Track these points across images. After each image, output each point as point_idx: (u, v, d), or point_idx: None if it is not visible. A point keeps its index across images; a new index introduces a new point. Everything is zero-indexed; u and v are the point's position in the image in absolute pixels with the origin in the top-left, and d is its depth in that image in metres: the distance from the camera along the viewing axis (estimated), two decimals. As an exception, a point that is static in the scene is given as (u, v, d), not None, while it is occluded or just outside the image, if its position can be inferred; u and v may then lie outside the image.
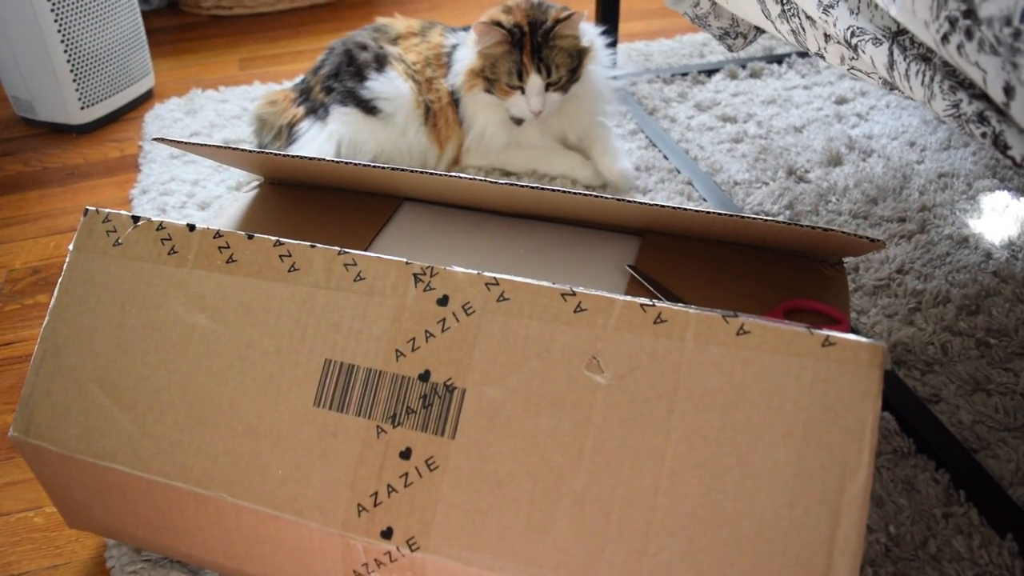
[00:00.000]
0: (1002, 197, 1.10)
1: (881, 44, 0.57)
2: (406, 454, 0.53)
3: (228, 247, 0.59)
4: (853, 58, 0.61)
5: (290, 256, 0.58)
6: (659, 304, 0.51)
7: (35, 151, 1.38)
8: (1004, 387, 0.81)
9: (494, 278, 0.54)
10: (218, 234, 0.60)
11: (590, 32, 1.16)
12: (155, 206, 1.14)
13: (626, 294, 0.68)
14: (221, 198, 1.15)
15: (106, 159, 1.34)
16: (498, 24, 1.09)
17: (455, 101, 1.15)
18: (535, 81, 1.09)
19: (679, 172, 1.17)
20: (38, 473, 0.63)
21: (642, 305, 0.51)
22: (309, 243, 0.58)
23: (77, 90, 1.38)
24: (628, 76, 1.44)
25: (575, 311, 0.52)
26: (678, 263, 0.70)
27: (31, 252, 1.12)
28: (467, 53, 1.13)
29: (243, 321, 0.58)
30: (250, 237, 0.59)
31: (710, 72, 1.44)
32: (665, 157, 1.21)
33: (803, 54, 1.46)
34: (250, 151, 0.68)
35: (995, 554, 0.67)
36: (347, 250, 0.57)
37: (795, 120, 1.29)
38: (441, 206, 0.79)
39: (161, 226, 0.61)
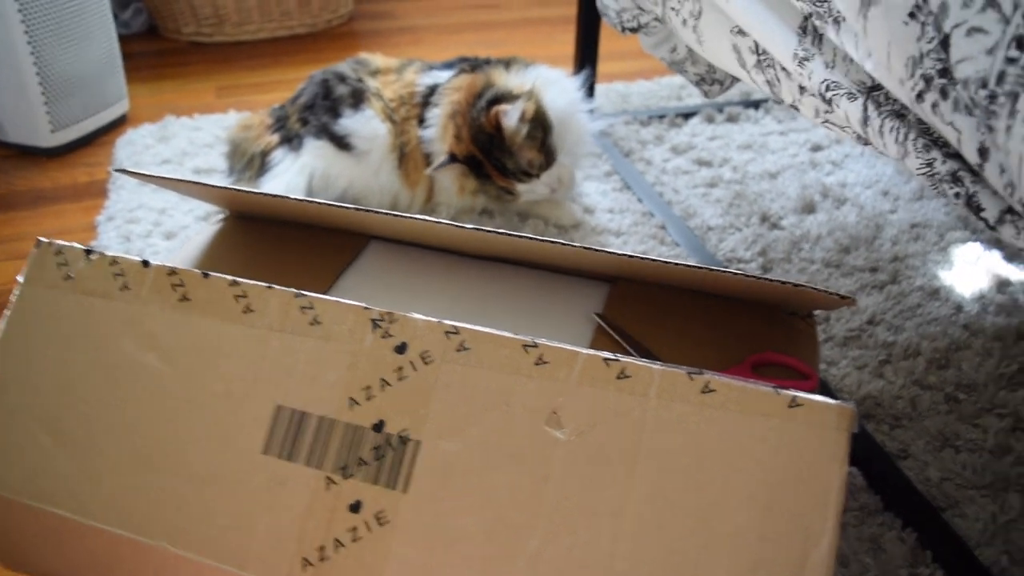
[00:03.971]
0: (973, 249, 1.10)
1: (856, 99, 0.57)
2: (356, 507, 0.51)
3: (182, 284, 0.57)
4: (828, 111, 0.61)
5: (245, 297, 0.56)
6: (623, 359, 0.50)
7: (3, 173, 1.35)
8: (973, 443, 0.80)
9: (454, 327, 0.52)
10: (172, 271, 0.58)
11: (529, 76, 1.13)
12: (120, 234, 1.11)
13: (593, 343, 0.67)
14: (188, 228, 1.13)
15: (75, 183, 1.32)
16: (453, 158, 1.09)
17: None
18: (524, 188, 1.09)
19: (653, 215, 1.16)
20: (-27, 514, 0.61)
21: (605, 359, 0.50)
22: (266, 284, 0.56)
23: (48, 112, 1.36)
24: (603, 116, 1.44)
25: (536, 363, 0.51)
26: (647, 312, 0.69)
27: (-10, 277, 1.10)
28: (438, 115, 1.11)
29: (194, 362, 0.55)
30: (205, 275, 0.57)
31: (687, 115, 1.44)
32: (639, 200, 1.20)
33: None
34: (214, 186, 0.67)
35: (962, 619, 0.65)
36: (304, 292, 0.55)
37: (770, 166, 1.29)
38: (409, 246, 0.78)
39: (115, 261, 0.59)
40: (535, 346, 0.51)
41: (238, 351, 0.55)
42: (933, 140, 0.55)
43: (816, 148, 1.34)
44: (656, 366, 0.49)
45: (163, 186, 0.75)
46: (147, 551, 0.54)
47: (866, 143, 0.60)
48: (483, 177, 1.09)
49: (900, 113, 0.56)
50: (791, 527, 0.46)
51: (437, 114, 1.10)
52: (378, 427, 0.51)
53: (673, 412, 0.49)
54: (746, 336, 0.68)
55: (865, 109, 0.57)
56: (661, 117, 1.44)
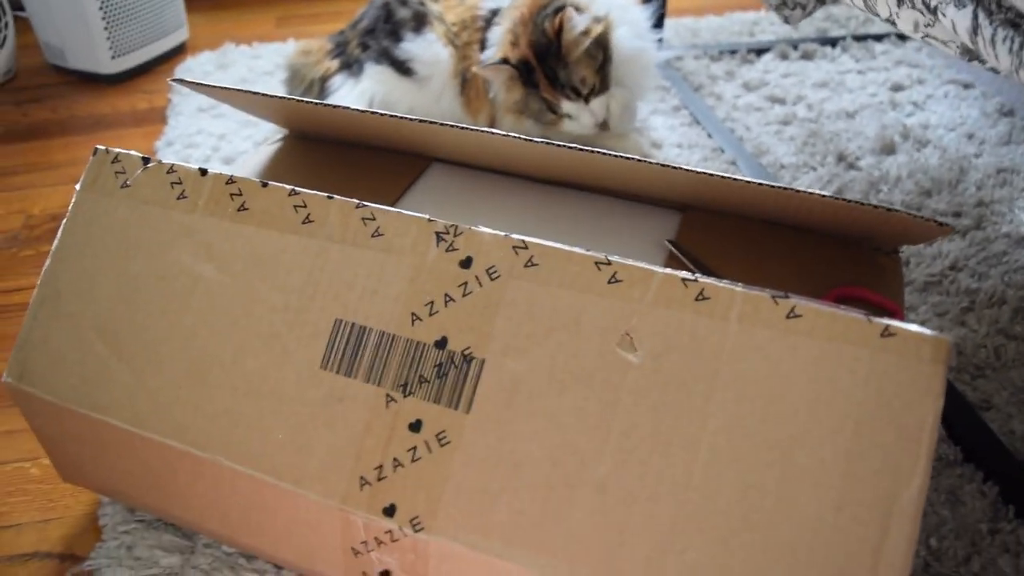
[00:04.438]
0: (1066, 197, 1.03)
1: (965, 7, 0.52)
2: (416, 426, 0.49)
3: (240, 194, 0.55)
4: (929, 24, 0.56)
5: (305, 207, 0.54)
6: (702, 279, 0.46)
7: (63, 98, 1.35)
8: (1061, 397, 0.76)
9: (522, 241, 0.49)
10: (231, 180, 0.56)
11: (603, 2, 1.08)
12: (179, 158, 1.10)
13: (664, 270, 0.64)
14: (246, 153, 1.11)
15: (134, 110, 1.31)
16: (505, 61, 1.03)
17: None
18: (570, 106, 1.04)
19: (723, 151, 1.11)
20: (31, 422, 0.60)
21: (683, 279, 0.47)
22: (326, 195, 0.53)
23: (108, 39, 1.35)
24: (670, 49, 1.38)
25: (609, 281, 0.48)
26: (720, 242, 0.65)
27: (51, 199, 1.10)
28: (500, 33, 1.07)
29: (251, 274, 0.54)
30: (264, 185, 0.55)
31: (760, 51, 1.38)
32: (709, 135, 1.15)
33: (858, 37, 1.40)
34: (270, 96, 0.64)
35: (1047, 575, 0.62)
36: (366, 203, 0.53)
37: (847, 105, 1.22)
38: (472, 169, 0.75)
39: (172, 169, 0.57)
40: (608, 263, 0.48)
41: (297, 263, 0.53)
42: (1053, 53, 0.49)
43: (897, 88, 1.27)
44: (738, 288, 0.46)
45: (219, 98, 0.73)
46: (203, 464, 0.52)
47: (972, 57, 0.55)
48: (531, 85, 1.04)
49: (1015, 22, 0.51)
50: (880, 465, 0.43)
51: (499, 32, 1.06)
52: (441, 344, 0.49)
53: (755, 337, 0.45)
54: (827, 270, 0.64)
55: (975, 17, 0.52)
56: (732, 52, 1.37)
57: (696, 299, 0.46)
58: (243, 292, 0.53)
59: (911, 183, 1.05)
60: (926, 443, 0.43)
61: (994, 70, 0.52)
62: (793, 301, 0.45)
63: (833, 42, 1.39)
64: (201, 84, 0.66)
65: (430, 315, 0.50)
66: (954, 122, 1.18)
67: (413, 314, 0.50)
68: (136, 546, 0.64)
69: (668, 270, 0.47)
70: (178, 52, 1.48)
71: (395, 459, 0.48)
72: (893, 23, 0.59)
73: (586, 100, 1.03)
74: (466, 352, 0.49)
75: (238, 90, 0.65)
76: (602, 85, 1.04)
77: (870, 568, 0.42)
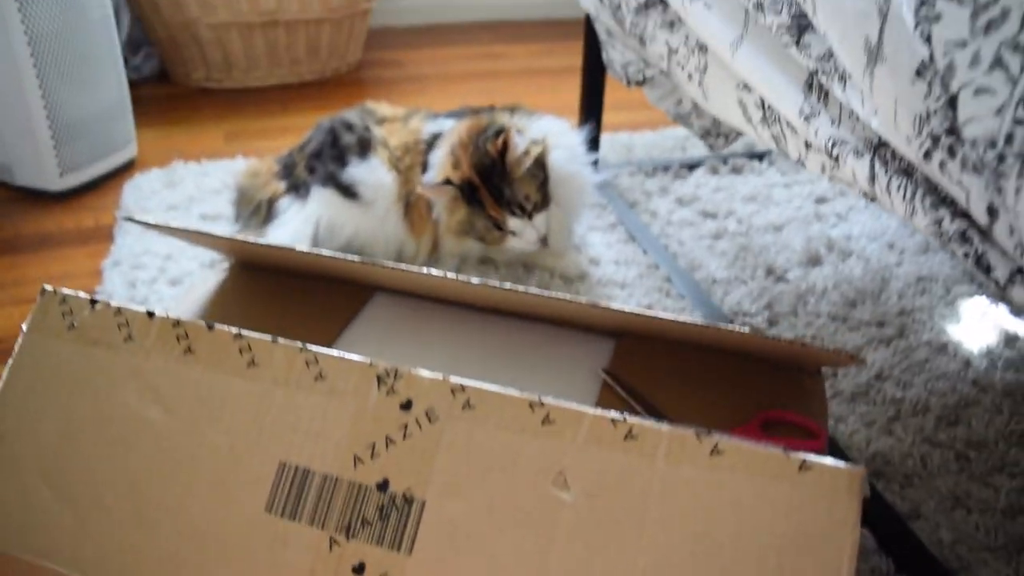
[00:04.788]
0: (980, 303, 1.10)
1: (862, 156, 0.57)
2: (359, 569, 0.49)
3: (187, 336, 0.57)
4: (834, 167, 0.61)
5: (250, 350, 0.56)
6: (630, 419, 0.49)
7: (9, 216, 1.36)
8: (984, 503, 0.79)
9: (460, 384, 0.52)
10: (177, 323, 0.57)
11: (539, 126, 1.14)
12: (125, 280, 1.11)
13: (600, 399, 0.66)
14: (193, 274, 1.13)
15: (80, 228, 1.32)
16: (448, 183, 1.08)
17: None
18: (515, 223, 1.09)
19: (658, 268, 1.16)
20: (-31, 568, 0.59)
21: (612, 420, 0.49)
22: (271, 337, 0.55)
23: (56, 156, 1.37)
24: (606, 168, 1.44)
25: (543, 423, 0.50)
26: (653, 368, 0.69)
27: (-6, 321, 1.09)
28: (441, 157, 1.12)
29: (197, 416, 0.55)
30: (210, 327, 0.57)
31: (692, 166, 1.45)
32: (644, 252, 1.20)
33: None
34: (219, 236, 0.67)
35: None
36: (309, 346, 0.55)
37: (775, 218, 1.29)
38: (415, 298, 0.78)
39: (119, 311, 0.59)
40: (541, 405, 0.50)
41: (242, 405, 0.54)
42: (941, 198, 0.54)
43: (821, 200, 1.35)
44: (664, 427, 0.49)
45: (170, 235, 0.75)
46: (144, 611, 0.52)
47: (873, 199, 0.60)
48: (475, 204, 1.08)
49: (907, 171, 0.57)
50: (803, 595, 0.45)
51: (439, 155, 1.11)
52: (383, 486, 0.51)
53: (681, 475, 0.48)
54: (754, 393, 0.67)
55: (872, 166, 0.57)
56: (666, 168, 1.44)
57: (625, 438, 0.49)
58: (189, 435, 0.55)
59: (837, 294, 1.10)
60: (845, 570, 0.45)
61: (891, 212, 0.57)
62: (716, 438, 0.48)
63: (760, 156, 1.47)
64: (151, 224, 0.68)
65: (372, 457, 0.51)
66: (876, 232, 1.25)
67: (356, 456, 0.52)
68: None
69: (598, 411, 0.49)
70: (126, 168, 1.50)
71: (338, 603, 0.49)
72: (803, 164, 0.64)
73: (530, 216, 1.08)
74: (407, 494, 0.50)
75: (188, 230, 0.67)
76: (543, 201, 1.09)
77: None
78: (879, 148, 0.59)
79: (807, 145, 0.65)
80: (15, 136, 1.35)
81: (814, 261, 1.18)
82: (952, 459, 0.84)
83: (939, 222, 0.54)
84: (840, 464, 0.47)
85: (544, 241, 1.11)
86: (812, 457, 0.47)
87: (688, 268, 1.17)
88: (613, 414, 0.49)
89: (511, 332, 0.73)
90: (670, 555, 0.46)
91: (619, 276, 1.14)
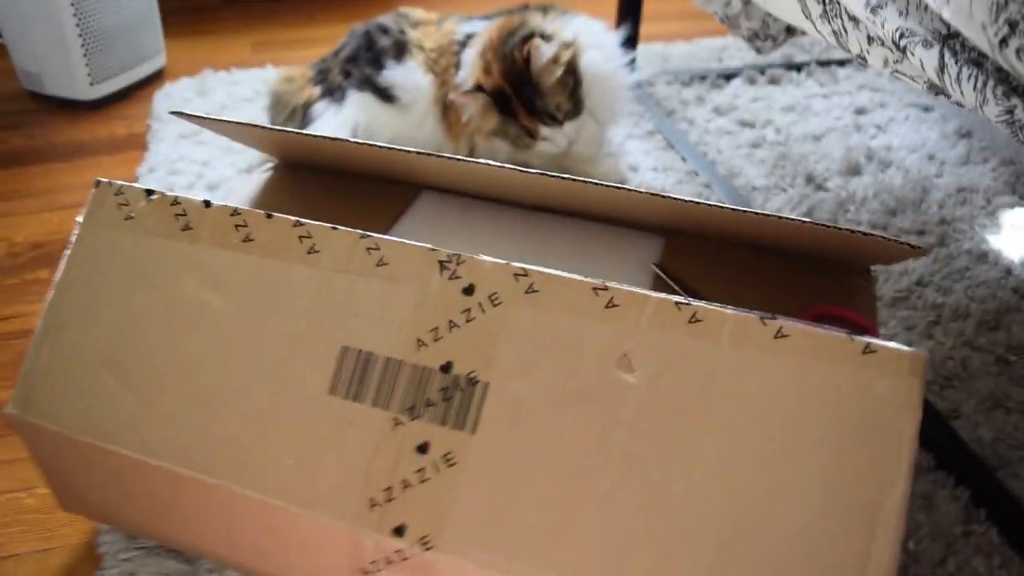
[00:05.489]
0: (1021, 214, 1.08)
1: (931, 47, 0.55)
2: (423, 448, 0.51)
3: (245, 225, 0.57)
4: (898, 61, 0.59)
5: (310, 237, 0.56)
6: (694, 303, 0.49)
7: (41, 125, 1.36)
8: (1024, 406, 0.80)
9: (523, 268, 0.52)
10: (235, 211, 0.58)
11: (572, 26, 1.11)
12: (163, 185, 1.11)
13: (651, 293, 0.66)
14: (231, 180, 1.13)
15: (112, 136, 1.32)
16: (479, 88, 1.06)
17: None
18: (547, 131, 1.07)
19: (697, 175, 1.15)
20: (34, 453, 0.61)
21: (677, 303, 0.49)
22: (331, 225, 0.55)
23: (87, 65, 1.36)
24: (644, 73, 1.42)
25: (607, 306, 0.50)
26: (702, 265, 0.68)
27: (33, 227, 1.10)
28: (472, 57, 1.09)
29: (258, 303, 0.55)
30: (269, 216, 0.57)
31: (728, 77, 1.42)
32: (683, 159, 1.19)
33: (822, 63, 1.45)
34: (268, 128, 0.66)
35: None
36: (369, 233, 0.55)
37: (814, 128, 1.27)
38: (460, 196, 0.77)
39: (176, 201, 0.59)
40: (605, 289, 0.50)
41: (303, 291, 0.55)
42: (1013, 88, 0.53)
43: (860, 111, 1.32)
44: (728, 310, 0.49)
45: (217, 130, 0.75)
46: (212, 490, 0.54)
47: (939, 92, 0.59)
48: (507, 114, 1.07)
49: (978, 61, 0.55)
50: (864, 474, 0.46)
51: (471, 55, 1.09)
52: (446, 368, 0.51)
53: (745, 357, 0.48)
54: (803, 290, 0.67)
55: (941, 57, 0.56)
56: (702, 78, 1.41)
57: (689, 321, 0.49)
58: (249, 320, 0.55)
59: (877, 203, 1.09)
60: (907, 452, 0.46)
61: (959, 104, 0.56)
62: (780, 322, 0.48)
63: (798, 67, 1.44)
64: (200, 116, 0.67)
65: (435, 341, 0.52)
66: (915, 144, 1.23)
67: (419, 340, 0.52)
68: (138, 573, 0.64)
69: (662, 295, 0.50)
70: (156, 78, 1.49)
71: (404, 480, 0.50)
72: (864, 59, 0.63)
73: (561, 124, 1.07)
74: (471, 376, 0.51)
75: (236, 122, 0.66)
76: (575, 109, 1.08)
77: (859, 569, 0.44)
78: (948, 39, 0.57)
79: (870, 39, 0.64)
80: (46, 45, 1.34)
81: (854, 171, 1.16)
82: (992, 362, 0.85)
83: (1011, 111, 0.53)
84: (903, 347, 0.47)
85: (580, 137, 1.09)
86: (876, 340, 0.47)
87: (727, 176, 1.15)
88: (677, 298, 0.49)
89: (559, 230, 0.72)
90: (734, 436, 0.47)
91: (658, 183, 1.12)
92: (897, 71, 0.61)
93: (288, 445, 0.53)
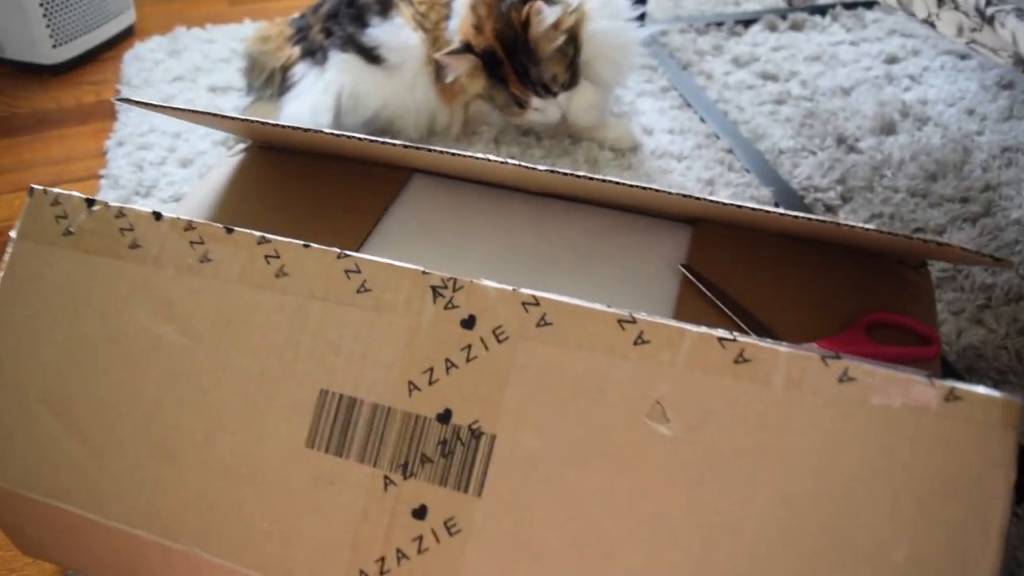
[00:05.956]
0: (1074, 175, 0.99)
1: None
2: (420, 513, 0.43)
3: (202, 242, 0.48)
4: (976, 29, 0.50)
5: (278, 257, 0.47)
6: (740, 339, 0.41)
7: (2, 93, 1.25)
8: (1090, 402, 0.71)
9: (533, 296, 0.43)
10: (190, 225, 0.49)
11: None
12: (131, 161, 1.02)
13: (680, 298, 0.58)
14: (206, 154, 1.03)
15: (80, 104, 1.22)
16: (467, 49, 0.95)
17: None
18: (539, 102, 0.97)
19: (718, 137, 1.05)
20: (-22, 501, 0.53)
21: (720, 339, 0.41)
22: (302, 242, 0.47)
23: (48, 26, 1.25)
24: (654, 24, 1.30)
25: (635, 343, 0.42)
26: (734, 261, 0.60)
27: (-5, 209, 1.01)
28: (463, 7, 0.98)
29: (220, 336, 0.47)
30: (229, 231, 0.48)
31: (747, 22, 1.31)
32: (702, 120, 1.09)
33: (848, 5, 1.33)
34: (230, 118, 0.57)
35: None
36: (348, 252, 0.46)
37: (842, 80, 1.16)
38: (457, 180, 0.68)
39: (121, 213, 0.50)
40: (633, 321, 0.42)
41: (272, 323, 0.46)
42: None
43: (892, 60, 1.21)
44: (782, 348, 0.40)
45: (175, 117, 0.66)
46: (177, 556, 0.46)
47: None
48: (496, 79, 0.96)
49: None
50: (945, 547, 0.38)
51: (462, 3, 0.98)
52: (444, 417, 0.43)
53: (803, 404, 0.40)
54: (852, 289, 0.59)
55: (1034, 24, 0.46)
56: (719, 24, 1.30)
57: (735, 361, 0.41)
58: (211, 357, 0.47)
59: (915, 166, 0.99)
60: (998, 520, 0.38)
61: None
62: (845, 363, 0.40)
63: (823, 10, 1.32)
64: (151, 104, 0.58)
65: (430, 384, 0.44)
66: (953, 96, 1.13)
67: (410, 383, 0.44)
68: (106, 622, 0.57)
69: (702, 328, 0.41)
70: (125, 37, 1.38)
71: (399, 550, 0.43)
72: (932, 24, 0.53)
73: (555, 95, 0.97)
74: (474, 427, 0.43)
75: (194, 111, 0.57)
76: (572, 80, 0.97)
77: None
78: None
79: (940, 2, 0.54)
80: (2, 6, 1.23)
81: (888, 129, 1.06)
82: (1052, 352, 0.76)
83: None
84: (994, 393, 0.38)
85: (572, 108, 1.00)
86: (960, 385, 0.39)
87: (751, 137, 1.05)
88: (721, 332, 0.41)
89: (570, 218, 0.64)
90: (789, 498, 0.39)
91: (675, 147, 1.03)
92: (975, 41, 0.51)
93: (262, 507, 0.45)
